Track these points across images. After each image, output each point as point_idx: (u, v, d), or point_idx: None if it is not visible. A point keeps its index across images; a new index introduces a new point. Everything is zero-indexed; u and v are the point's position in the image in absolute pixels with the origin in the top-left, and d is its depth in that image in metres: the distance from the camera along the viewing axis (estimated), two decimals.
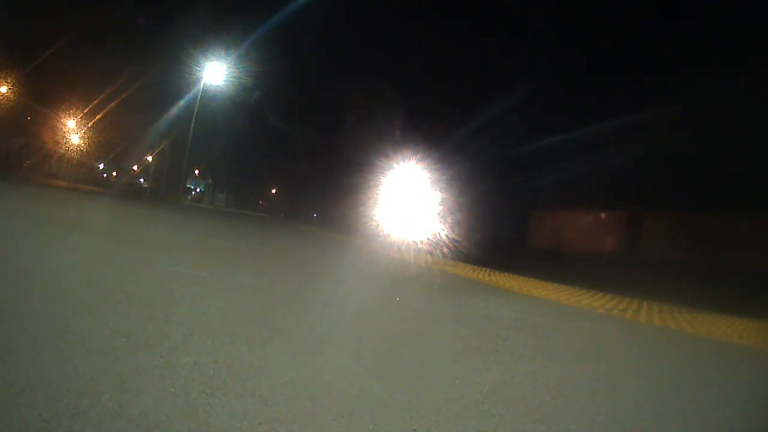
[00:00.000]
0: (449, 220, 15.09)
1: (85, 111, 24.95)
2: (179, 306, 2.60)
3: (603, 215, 17.33)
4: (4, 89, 21.47)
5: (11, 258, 3.15)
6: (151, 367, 1.68)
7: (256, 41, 24.36)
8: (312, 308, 3.35)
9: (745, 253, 12.11)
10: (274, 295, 3.59)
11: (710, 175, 12.18)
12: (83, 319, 2.08)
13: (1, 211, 6.02)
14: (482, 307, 4.51)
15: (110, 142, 28.92)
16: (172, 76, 24.20)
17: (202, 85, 23.26)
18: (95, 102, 23.92)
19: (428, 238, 14.31)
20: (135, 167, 36.29)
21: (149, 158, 34.59)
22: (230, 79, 24.40)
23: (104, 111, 24.27)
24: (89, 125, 26.16)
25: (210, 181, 59.26)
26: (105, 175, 38.10)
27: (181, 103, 24.32)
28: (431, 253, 12.70)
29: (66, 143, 27.25)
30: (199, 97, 23.18)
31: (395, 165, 16.88)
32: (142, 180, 38.59)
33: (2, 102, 21.64)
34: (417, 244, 13.97)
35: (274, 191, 62.69)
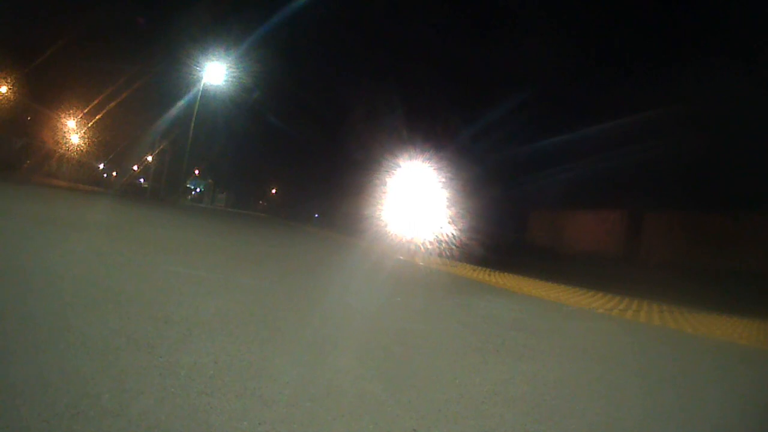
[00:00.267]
0: (455, 221, 15.08)
1: (85, 111, 24.95)
2: (179, 306, 2.60)
3: (603, 215, 17.33)
4: (4, 89, 21.47)
5: (11, 258, 3.15)
6: (151, 367, 1.68)
7: (256, 41, 24.38)
8: (312, 308, 3.35)
9: (745, 253, 12.11)
10: (274, 295, 3.59)
11: (710, 175, 12.19)
12: (83, 319, 2.08)
13: (1, 211, 6.02)
14: (483, 307, 4.51)
15: (110, 142, 28.93)
16: (172, 76, 24.21)
17: (202, 85, 23.24)
18: (95, 102, 23.92)
19: (434, 239, 14.29)
20: (135, 167, 36.31)
21: (149, 158, 34.60)
22: (230, 79, 24.38)
23: (104, 111, 24.28)
24: (89, 125, 26.17)
25: (210, 181, 59.25)
26: (105, 175, 38.10)
27: (181, 103, 24.32)
28: (439, 255, 12.67)
29: (66, 143, 27.26)
30: (199, 97, 23.17)
31: (399, 164, 16.88)
32: (142, 180, 38.60)
33: (2, 102, 21.64)
34: (423, 244, 13.94)
35: (274, 191, 62.70)
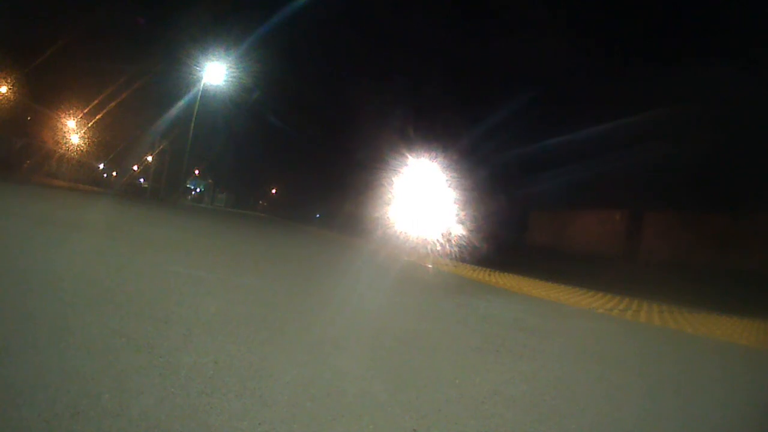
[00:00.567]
0: (462, 221, 15.05)
1: (85, 111, 24.95)
2: (179, 306, 2.60)
3: (603, 215, 17.33)
4: (4, 89, 21.47)
5: (11, 258, 3.15)
6: (151, 367, 1.68)
7: (256, 41, 24.37)
8: (312, 308, 3.35)
9: (745, 253, 12.11)
10: (275, 295, 3.59)
11: (711, 175, 12.18)
12: (83, 319, 2.08)
13: (1, 211, 6.02)
14: (483, 307, 4.51)
15: (110, 142, 28.93)
16: (172, 76, 24.20)
17: (202, 85, 23.24)
18: (95, 102, 23.91)
19: (440, 240, 14.26)
20: (135, 167, 36.30)
21: (149, 158, 34.59)
22: (230, 79, 24.38)
23: (104, 111, 24.27)
24: (89, 125, 26.16)
25: (210, 181, 59.23)
26: (105, 175, 38.09)
27: (181, 103, 24.31)
28: (445, 256, 12.64)
29: (66, 143, 27.26)
30: (199, 97, 23.17)
31: (403, 164, 16.85)
32: (142, 180, 38.58)
33: (2, 102, 21.64)
34: (428, 245, 13.91)
35: (274, 191, 62.70)
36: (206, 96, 24.30)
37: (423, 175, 16.42)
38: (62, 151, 27.78)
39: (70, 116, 25.79)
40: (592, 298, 6.40)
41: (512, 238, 19.27)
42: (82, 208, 9.84)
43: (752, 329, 5.11)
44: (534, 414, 1.84)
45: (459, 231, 14.76)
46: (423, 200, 16.41)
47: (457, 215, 15.40)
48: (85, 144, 27.72)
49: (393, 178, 17.18)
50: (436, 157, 16.10)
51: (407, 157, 16.72)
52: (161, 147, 31.92)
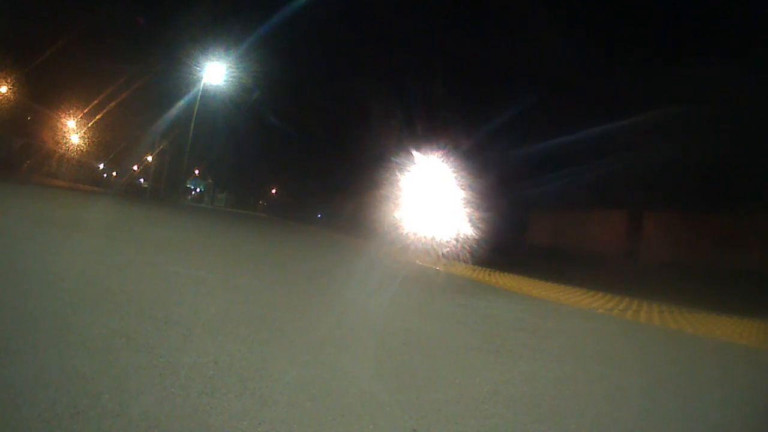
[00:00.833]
0: (462, 221, 15.01)
1: (85, 111, 24.95)
2: (179, 306, 2.60)
3: (603, 215, 17.33)
4: (4, 89, 21.47)
5: (11, 258, 3.15)
6: (151, 367, 1.68)
7: (256, 41, 24.36)
8: (312, 308, 3.35)
9: (745, 253, 12.11)
10: (274, 295, 3.59)
11: (711, 175, 12.18)
12: (83, 319, 2.08)
13: (1, 211, 6.02)
14: (483, 308, 4.51)
15: (110, 142, 28.94)
16: (172, 76, 24.19)
17: (202, 85, 23.24)
18: (95, 102, 23.91)
19: (441, 240, 14.22)
20: (135, 167, 36.29)
21: (149, 158, 34.59)
22: (230, 79, 24.38)
23: (104, 111, 24.26)
24: (89, 125, 26.16)
25: (210, 181, 59.23)
26: (105, 175, 38.08)
27: (181, 103, 24.30)
28: (448, 256, 12.62)
29: (66, 143, 27.26)
30: (199, 97, 23.17)
31: (409, 164, 16.81)
32: (142, 180, 38.58)
33: (2, 102, 21.64)
34: (430, 245, 13.88)
35: (274, 191, 62.68)
36: (206, 96, 24.32)
37: (425, 175, 16.41)
38: (62, 151, 27.79)
39: (70, 116, 25.79)
40: (592, 298, 6.40)
41: (512, 239, 19.27)
42: (82, 208, 9.84)
43: (752, 329, 5.11)
44: (534, 414, 1.84)
45: (461, 231, 14.74)
46: (424, 200, 16.40)
47: (459, 215, 15.38)
48: (85, 144, 27.73)
49: (395, 179, 17.17)
50: (438, 157, 16.09)
51: (409, 157, 16.72)
52: (161, 147, 31.91)
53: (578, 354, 3.13)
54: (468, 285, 6.68)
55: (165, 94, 25.44)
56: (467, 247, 13.39)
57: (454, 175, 15.70)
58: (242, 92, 27.95)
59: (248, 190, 65.57)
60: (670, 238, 14.40)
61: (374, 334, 2.85)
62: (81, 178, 31.45)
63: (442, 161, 15.87)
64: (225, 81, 24.15)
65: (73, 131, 26.71)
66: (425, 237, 14.62)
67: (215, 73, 23.50)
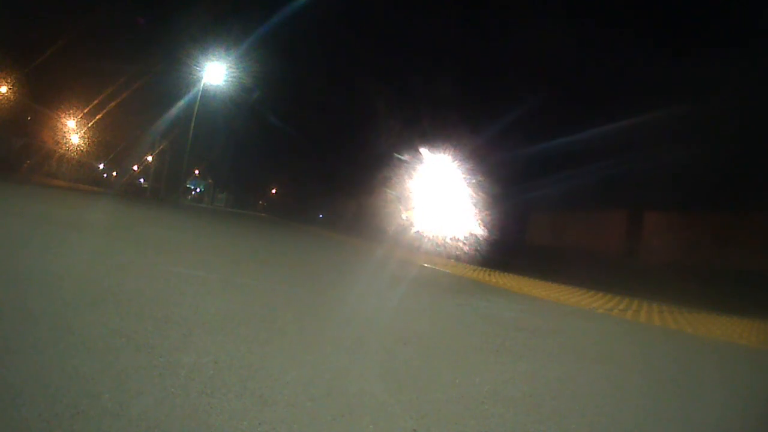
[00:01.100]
0: (464, 221, 14.97)
1: (85, 111, 24.96)
2: (179, 306, 2.60)
3: (603, 215, 17.32)
4: (4, 89, 21.47)
5: (11, 258, 3.15)
6: (151, 367, 1.68)
7: (256, 41, 24.37)
8: (312, 308, 3.35)
9: (745, 253, 12.11)
10: (274, 295, 3.59)
11: (712, 175, 12.17)
12: (83, 319, 2.08)
13: (1, 211, 6.02)
14: (483, 307, 4.51)
15: (110, 142, 28.96)
16: (172, 76, 24.21)
17: (202, 85, 23.24)
18: (95, 102, 23.93)
19: (443, 240, 14.19)
20: (135, 167, 36.31)
21: (149, 158, 34.60)
22: (230, 79, 24.38)
23: (104, 111, 24.28)
24: (89, 125, 26.17)
25: (210, 181, 59.26)
26: (105, 175, 38.10)
27: (181, 103, 24.31)
28: (449, 256, 12.59)
29: (66, 143, 27.27)
30: (199, 97, 23.17)
31: (415, 163, 16.78)
32: (142, 180, 38.60)
33: (2, 102, 21.64)
34: (432, 245, 13.84)
35: (274, 191, 62.66)
36: (206, 96, 24.33)
37: (430, 174, 16.39)
38: (62, 151, 27.80)
39: (70, 116, 25.81)
40: (592, 298, 6.40)
41: (513, 239, 19.25)
42: (82, 208, 9.84)
43: (752, 329, 5.11)
44: (534, 414, 1.84)
45: (470, 232, 14.72)
46: (430, 200, 16.39)
47: (467, 216, 15.36)
48: (85, 144, 27.75)
49: (400, 178, 17.15)
50: (443, 157, 16.06)
51: (414, 157, 16.70)
52: (161, 147, 31.93)
53: (578, 354, 3.13)
54: (468, 285, 6.68)
55: (165, 94, 25.48)
56: (476, 249, 13.35)
57: (460, 175, 15.68)
58: (242, 92, 27.98)
59: (248, 190, 65.59)
60: (670, 238, 14.40)
61: (374, 334, 2.85)
62: (81, 178, 31.48)
63: (447, 161, 15.85)
64: (225, 81, 24.17)
65: (73, 131, 26.73)
66: (433, 238, 14.58)
67: (215, 73, 23.52)
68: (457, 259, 12.23)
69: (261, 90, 31.38)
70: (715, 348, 4.01)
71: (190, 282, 3.35)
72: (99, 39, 22.99)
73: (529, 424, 1.74)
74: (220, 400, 1.52)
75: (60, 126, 26.10)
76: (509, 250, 16.18)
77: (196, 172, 52.63)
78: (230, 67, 23.87)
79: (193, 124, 23.70)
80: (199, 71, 23.08)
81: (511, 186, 16.95)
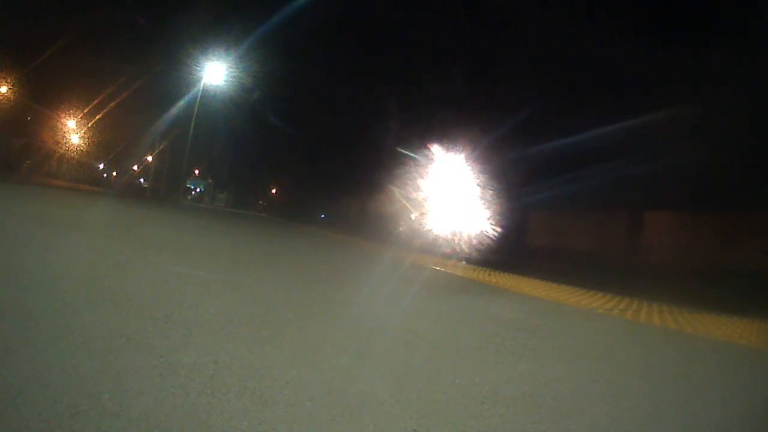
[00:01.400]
0: (465, 221, 14.93)
1: (85, 111, 24.95)
2: (179, 306, 2.60)
3: (603, 215, 17.32)
4: (4, 89, 21.47)
5: (11, 258, 3.15)
6: (151, 367, 1.68)
7: (256, 41, 24.37)
8: (312, 308, 3.35)
9: (745, 253, 12.11)
10: (275, 295, 3.59)
11: (711, 175, 12.17)
12: (83, 319, 2.08)
13: (1, 211, 6.02)
14: (483, 307, 4.51)
15: (110, 142, 28.95)
16: (172, 76, 24.21)
17: (202, 85, 23.24)
18: (95, 102, 23.92)
19: (444, 239, 14.16)
20: (135, 167, 36.31)
21: (149, 158, 34.60)
22: (230, 79, 24.39)
23: (104, 111, 24.28)
24: (89, 125, 26.17)
25: (210, 181, 59.28)
26: (105, 175, 38.10)
27: (181, 103, 24.31)
28: (450, 256, 12.55)
29: (66, 143, 27.27)
30: (199, 97, 23.17)
31: (420, 162, 16.74)
32: (142, 180, 38.60)
33: (2, 102, 21.64)
34: (434, 244, 13.80)
35: (274, 191, 62.65)
36: (206, 96, 24.33)
37: (432, 174, 16.37)
38: (62, 151, 27.80)
39: (70, 116, 25.80)
40: (592, 298, 6.40)
41: (513, 239, 19.25)
42: (82, 208, 9.84)
43: (752, 329, 5.11)
44: (534, 414, 1.84)
45: (465, 231, 14.71)
46: (427, 200, 16.38)
47: (463, 215, 15.34)
48: (85, 144, 27.74)
49: (402, 178, 17.14)
50: (445, 156, 16.04)
51: (417, 156, 16.68)
52: (161, 147, 31.93)
53: (578, 354, 3.13)
54: (468, 284, 6.69)
55: (165, 94, 25.48)
56: (483, 250, 13.31)
57: (456, 175, 15.66)
58: (242, 92, 27.99)
59: (248, 190, 65.61)
60: (670, 238, 14.40)
61: (374, 334, 2.85)
62: (81, 178, 31.47)
63: (453, 160, 15.81)
64: (225, 81, 24.18)
65: (73, 131, 26.73)
66: (442, 239, 14.53)
67: (215, 73, 23.52)
68: (463, 260, 12.23)
69: (261, 90, 31.40)
70: (715, 348, 4.01)
71: (190, 282, 3.35)
72: (99, 39, 23.01)
73: (529, 424, 1.74)
74: (220, 400, 1.52)
75: (60, 126, 26.10)
76: (514, 250, 16.19)
77: (196, 172, 52.66)
78: (230, 67, 23.89)
79: (193, 124, 23.74)
80: (199, 71, 23.10)
81: (515, 187, 16.95)
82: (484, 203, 15.07)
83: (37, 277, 2.72)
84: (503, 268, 9.81)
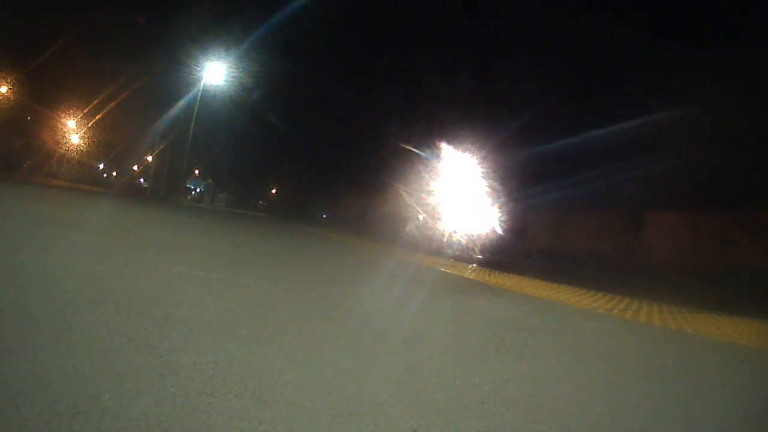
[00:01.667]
0: (466, 221, 14.91)
1: (85, 111, 24.96)
2: (179, 306, 2.60)
3: (603, 215, 17.33)
4: (4, 89, 21.48)
5: (11, 258, 3.15)
6: (151, 367, 1.68)
7: (256, 41, 24.38)
8: (312, 308, 3.35)
9: (745, 253, 12.11)
10: (275, 295, 3.59)
11: (711, 175, 12.18)
12: (83, 319, 2.08)
13: (1, 211, 6.02)
14: (483, 307, 4.51)
15: (110, 142, 28.97)
16: (172, 76, 24.21)
17: (202, 85, 23.24)
18: (95, 102, 23.93)
19: (445, 239, 14.14)
20: (135, 167, 36.31)
21: (149, 158, 34.60)
22: (230, 79, 24.39)
23: (104, 111, 24.28)
24: (89, 125, 26.18)
25: (210, 181, 59.28)
26: (105, 175, 38.10)
27: (181, 103, 24.31)
28: (451, 256, 12.53)
29: (66, 143, 27.27)
30: (199, 97, 23.17)
31: (424, 161, 16.72)
32: (142, 180, 38.60)
33: (2, 102, 21.65)
34: (434, 244, 13.78)
35: (274, 191, 62.64)
36: (206, 96, 24.33)
37: (428, 175, 16.37)
38: (62, 151, 27.80)
39: (70, 116, 25.81)
40: (592, 298, 6.40)
41: (513, 239, 19.24)
42: (82, 208, 9.84)
43: (752, 329, 5.11)
44: (534, 414, 1.84)
45: (465, 231, 14.69)
46: (428, 200, 16.37)
47: (465, 215, 15.32)
48: (85, 144, 27.75)
49: (405, 177, 17.12)
50: (449, 156, 16.02)
51: (417, 155, 16.67)
52: (161, 147, 31.92)
53: (578, 354, 3.13)
54: (468, 284, 6.68)
55: (165, 94, 25.48)
56: (486, 249, 13.28)
57: (456, 175, 15.65)
58: (242, 92, 27.99)
59: (248, 190, 65.60)
60: (670, 238, 14.40)
61: (374, 334, 2.85)
62: (81, 178, 31.47)
63: (453, 160, 15.80)
64: (225, 81, 24.18)
65: (73, 131, 26.74)
66: (450, 239, 14.49)
67: (215, 73, 23.52)
68: (458, 259, 12.22)
69: (261, 90, 31.41)
70: (715, 348, 4.01)
71: (190, 282, 3.35)
72: (99, 39, 23.03)
73: (529, 424, 1.74)
74: (220, 400, 1.52)
75: (60, 126, 26.11)
76: (508, 250, 16.18)
77: (196, 172, 52.65)
78: (230, 67, 23.89)
79: (193, 124, 23.73)
80: (199, 71, 23.10)
81: (518, 188, 16.95)
82: (486, 203, 15.06)
83: (37, 277, 2.72)
84: (503, 268, 9.81)
